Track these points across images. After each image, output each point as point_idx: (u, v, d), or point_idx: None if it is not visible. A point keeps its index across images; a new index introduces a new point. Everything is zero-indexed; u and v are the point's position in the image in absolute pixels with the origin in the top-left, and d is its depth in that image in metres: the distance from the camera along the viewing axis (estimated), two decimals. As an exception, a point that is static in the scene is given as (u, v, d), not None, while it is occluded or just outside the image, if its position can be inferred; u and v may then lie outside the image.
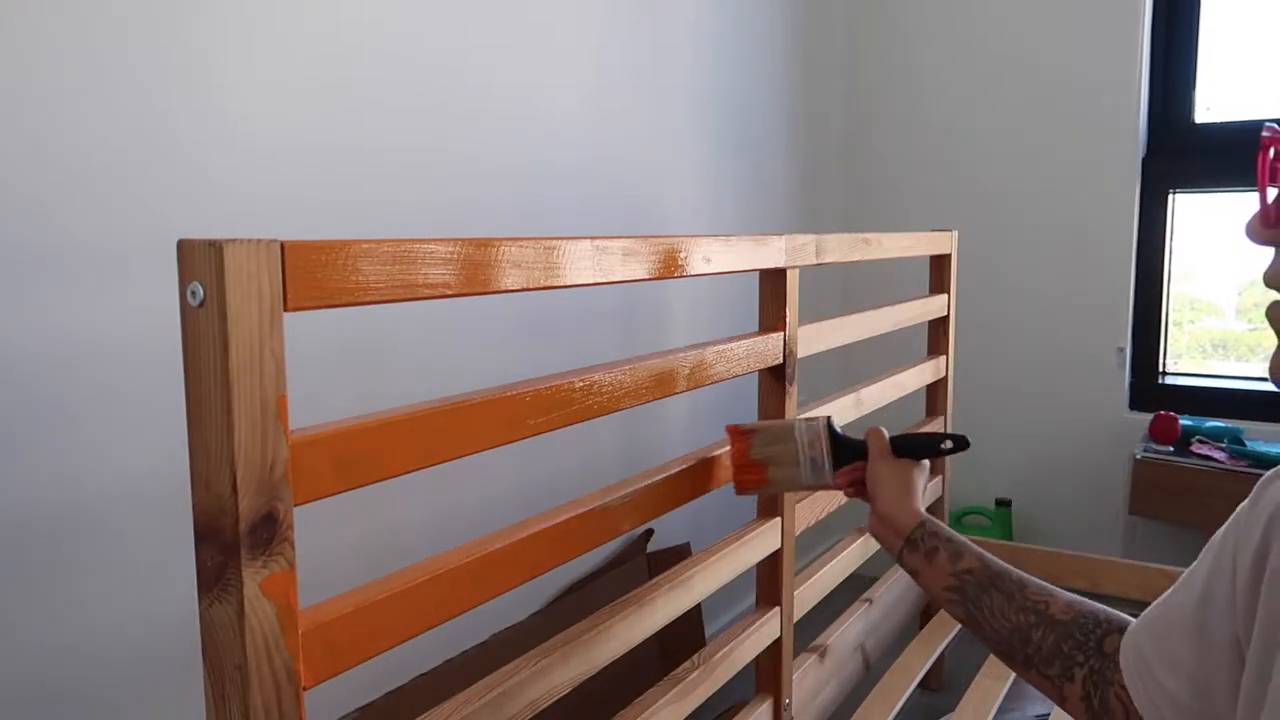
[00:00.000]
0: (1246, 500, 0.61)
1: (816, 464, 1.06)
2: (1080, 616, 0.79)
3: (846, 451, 1.07)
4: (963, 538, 0.93)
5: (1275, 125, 0.52)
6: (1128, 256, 2.37)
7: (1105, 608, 0.80)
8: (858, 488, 1.06)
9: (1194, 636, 0.62)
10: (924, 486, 1.03)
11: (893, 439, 1.04)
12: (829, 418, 1.08)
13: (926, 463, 1.05)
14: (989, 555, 0.90)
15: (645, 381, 0.97)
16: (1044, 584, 0.85)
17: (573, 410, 0.87)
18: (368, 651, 0.69)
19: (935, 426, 1.97)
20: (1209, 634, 0.61)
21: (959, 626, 1.87)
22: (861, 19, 2.66)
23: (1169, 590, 0.68)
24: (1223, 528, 0.64)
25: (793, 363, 1.25)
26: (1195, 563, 0.66)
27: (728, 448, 1.13)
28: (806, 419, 1.09)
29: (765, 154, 2.36)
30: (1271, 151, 0.51)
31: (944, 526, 0.96)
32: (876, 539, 1.01)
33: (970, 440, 1.05)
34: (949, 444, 1.04)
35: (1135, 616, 0.74)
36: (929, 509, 1.99)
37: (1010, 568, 0.88)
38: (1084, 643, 0.77)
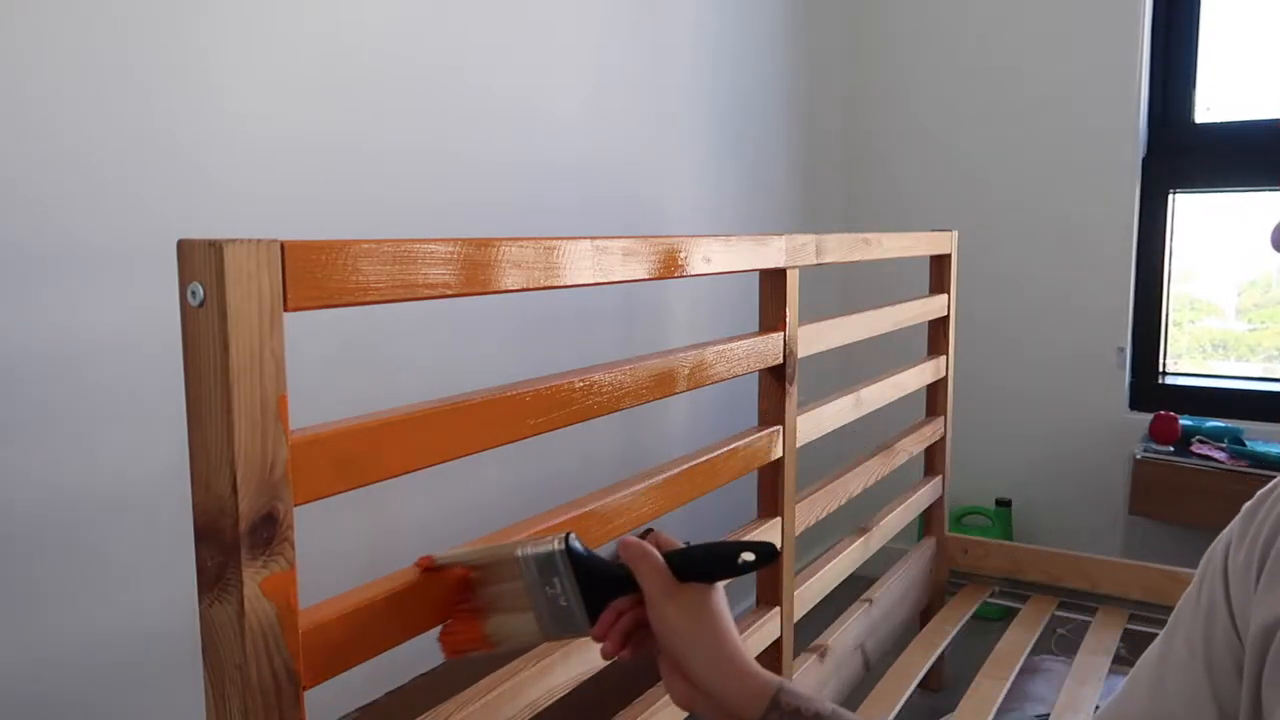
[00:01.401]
0: (1228, 534, 0.60)
1: (559, 610, 0.71)
2: None
3: (603, 582, 0.71)
4: (831, 705, 0.68)
5: None
6: (1128, 256, 2.37)
7: None
8: (636, 643, 0.72)
9: (1194, 698, 0.59)
10: (731, 620, 0.72)
11: (669, 557, 0.72)
12: (568, 534, 0.71)
13: (720, 585, 0.73)
14: None
15: (645, 381, 0.97)
16: None
17: (573, 410, 0.87)
18: (368, 651, 0.69)
19: (935, 427, 1.97)
20: (1215, 682, 0.59)
21: (959, 626, 1.87)
22: (861, 19, 2.66)
23: (1111, 700, 0.65)
24: (1179, 619, 0.62)
25: (793, 363, 1.25)
26: (1151, 661, 0.64)
27: (735, 442, 1.12)
28: (534, 543, 0.71)
29: (765, 154, 2.36)
30: None
31: (802, 695, 0.68)
32: (693, 711, 0.71)
33: (777, 549, 0.75)
34: (749, 556, 0.72)
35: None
36: (927, 511, 2.01)
37: None
38: None
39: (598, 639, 0.72)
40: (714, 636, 0.69)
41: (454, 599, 0.73)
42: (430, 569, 0.73)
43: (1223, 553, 0.60)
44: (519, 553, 0.71)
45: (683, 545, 0.74)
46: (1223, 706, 0.58)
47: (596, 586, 0.71)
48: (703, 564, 0.72)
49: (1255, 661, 0.55)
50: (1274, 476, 0.60)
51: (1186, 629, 0.61)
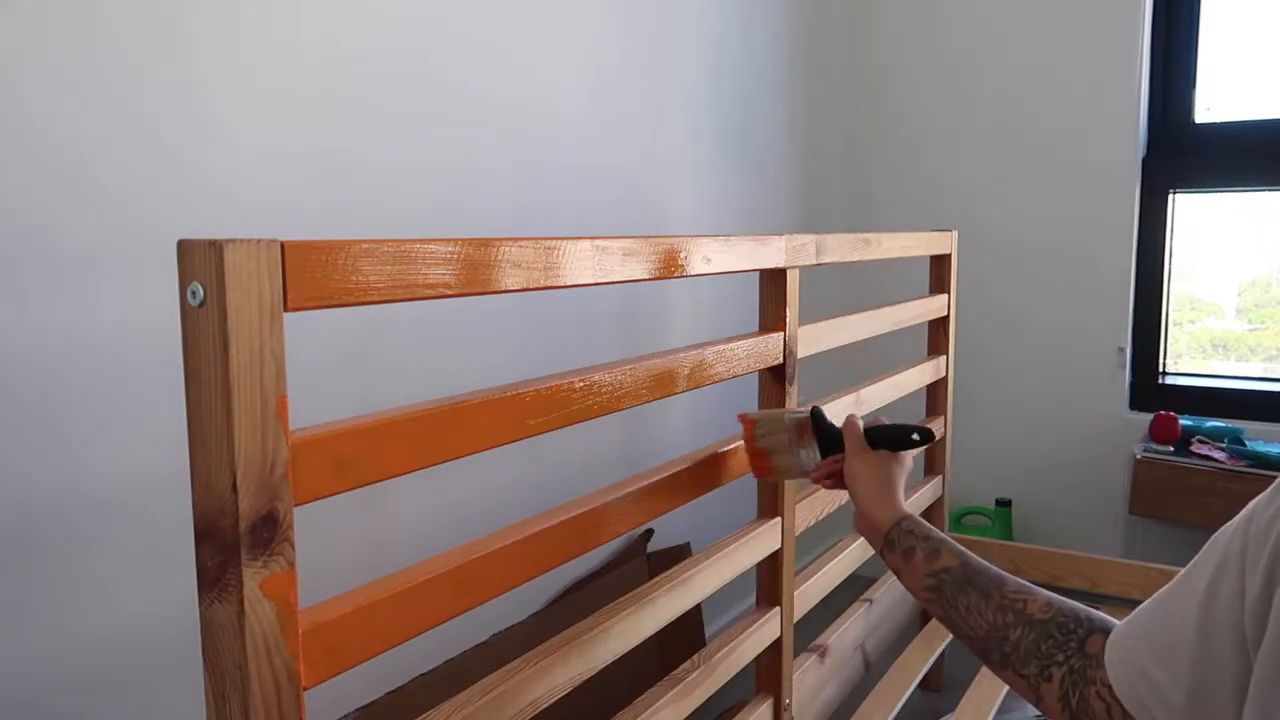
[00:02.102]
0: (1263, 497, 0.60)
1: (806, 453, 1.09)
2: (1060, 615, 0.78)
3: (832, 442, 1.08)
4: (942, 535, 0.92)
5: None
6: (1128, 257, 2.37)
7: (1086, 608, 0.78)
8: (835, 480, 1.07)
9: (1194, 638, 0.62)
10: (904, 480, 1.03)
11: (866, 430, 1.05)
12: (815, 407, 1.10)
13: (908, 456, 1.04)
14: (968, 553, 0.89)
15: (645, 381, 0.97)
16: (1023, 583, 0.84)
17: (573, 410, 0.87)
18: (368, 651, 0.69)
19: (935, 427, 1.97)
20: (1211, 636, 0.61)
21: (959, 626, 1.88)
22: (861, 19, 2.66)
23: (1162, 590, 0.68)
24: (1229, 528, 0.63)
25: (793, 363, 1.25)
26: (1193, 563, 0.65)
27: (735, 442, 1.14)
28: (797, 409, 1.13)
29: (765, 154, 2.36)
30: None
31: (923, 524, 0.94)
32: (863, 535, 1.01)
33: (935, 434, 1.09)
34: (916, 436, 1.05)
35: (1123, 617, 0.74)
36: (927, 511, 2.01)
37: (989, 566, 0.87)
38: (1064, 642, 0.76)
39: (814, 479, 1.09)
40: (877, 479, 1.01)
41: (749, 445, 1.12)
42: (743, 418, 1.13)
43: (1249, 512, 0.61)
44: (787, 417, 1.11)
45: (882, 423, 1.06)
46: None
47: (826, 443, 1.09)
48: (884, 437, 1.05)
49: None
50: (1274, 477, 0.60)
51: (1224, 548, 0.62)
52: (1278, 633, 0.55)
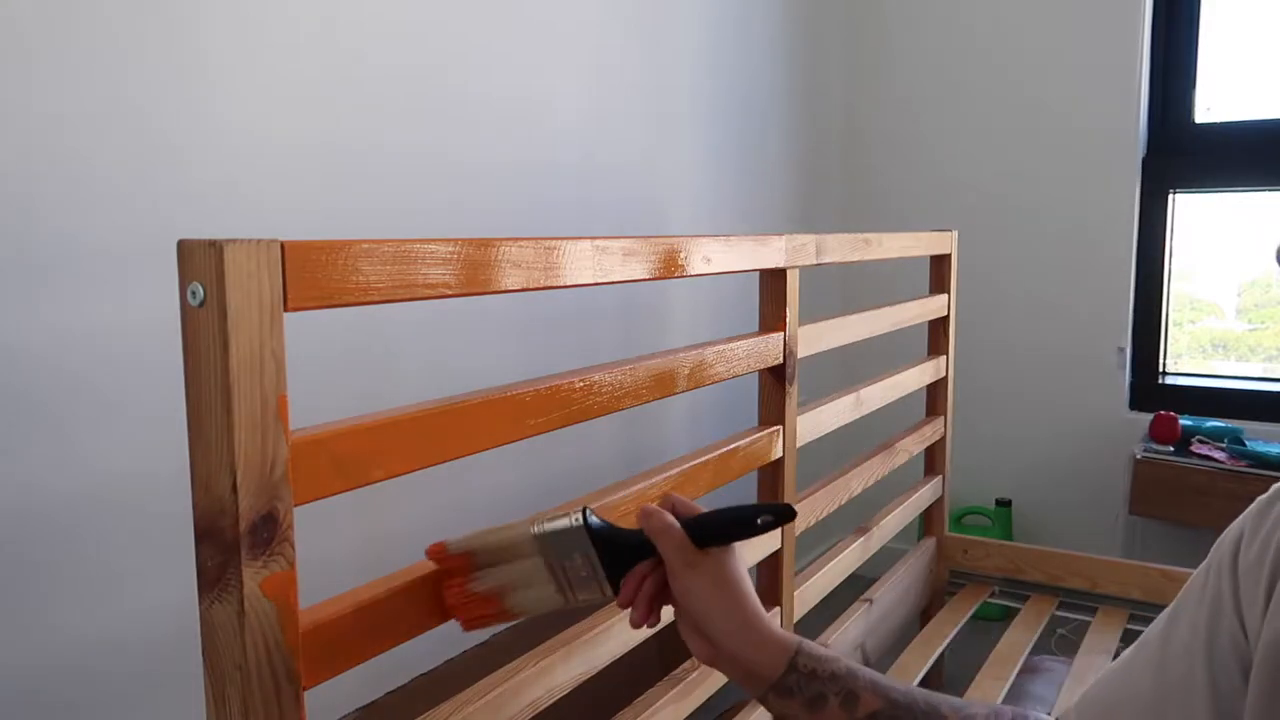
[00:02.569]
0: (1236, 532, 0.59)
1: (579, 579, 0.73)
2: None
3: (622, 550, 0.73)
4: (848, 664, 0.72)
5: None
6: (1128, 256, 2.37)
7: (1029, 713, 0.70)
8: (656, 602, 0.75)
9: (1204, 689, 0.58)
10: (749, 583, 0.75)
11: (688, 524, 0.73)
12: (584, 509, 0.73)
13: (736, 547, 0.75)
14: (885, 681, 0.72)
15: (645, 381, 0.97)
16: (956, 702, 0.72)
17: (573, 410, 0.87)
18: (368, 651, 0.69)
19: (935, 427, 1.97)
20: (1221, 680, 0.58)
21: (959, 626, 1.87)
22: (861, 19, 2.66)
23: (1117, 666, 0.65)
24: (1194, 584, 0.61)
25: (793, 363, 1.25)
26: (1148, 636, 0.63)
27: (736, 442, 1.13)
28: (548, 520, 0.73)
29: (765, 154, 2.36)
30: None
31: (819, 653, 0.71)
32: (717, 668, 0.75)
33: (794, 510, 0.79)
34: (768, 518, 0.74)
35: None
36: (927, 511, 2.01)
37: (918, 693, 0.72)
38: None
39: (623, 606, 0.74)
40: (733, 601, 0.72)
41: (463, 582, 0.73)
42: (441, 557, 0.73)
43: (1233, 546, 0.59)
44: (535, 530, 0.72)
45: (700, 510, 0.75)
46: (1220, 694, 0.57)
47: (616, 554, 0.73)
48: (721, 530, 0.74)
49: (1267, 674, 0.54)
50: (1274, 477, 0.59)
51: (1191, 614, 0.61)
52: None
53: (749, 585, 0.74)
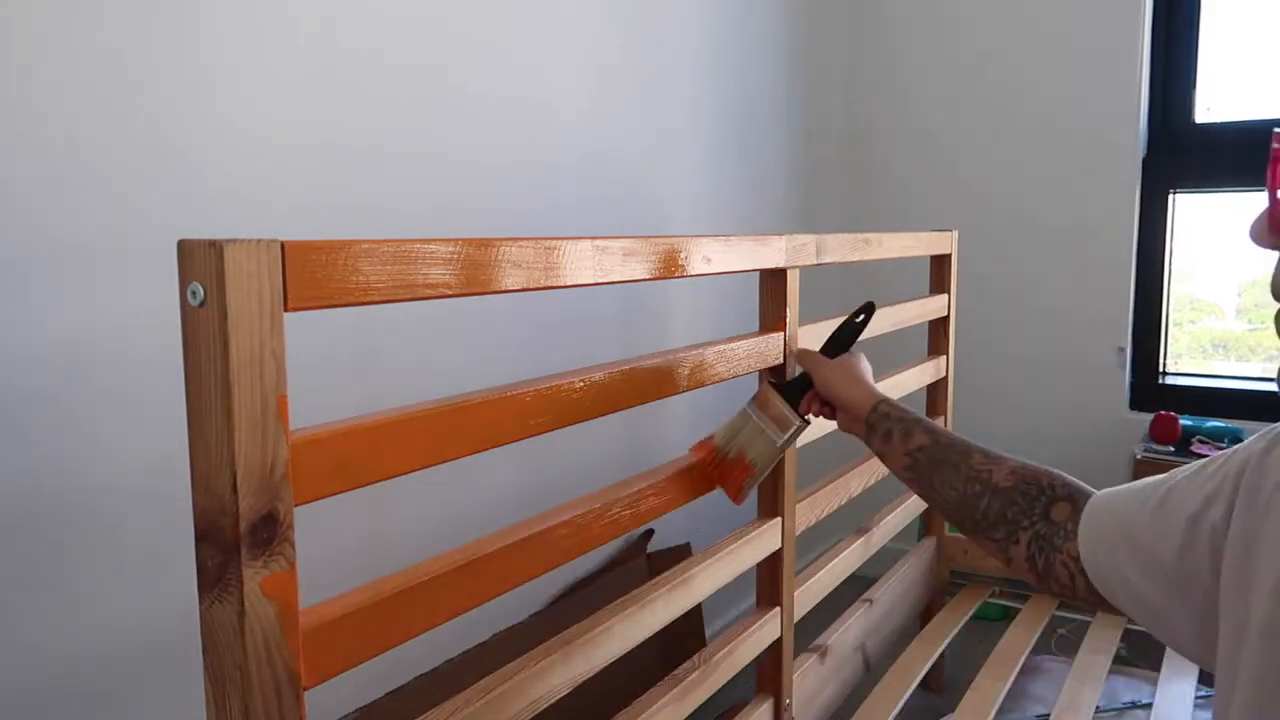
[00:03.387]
0: (1256, 445, 0.60)
1: (781, 419, 1.09)
2: (1023, 483, 0.82)
3: (797, 390, 1.11)
4: (917, 415, 0.97)
5: None
6: (1128, 256, 2.37)
7: (1052, 471, 0.83)
8: (820, 405, 1.10)
9: (1174, 557, 0.63)
10: (869, 371, 1.11)
11: (823, 348, 1.13)
12: (768, 380, 1.14)
13: (862, 355, 1.12)
14: (941, 429, 0.94)
15: (646, 381, 0.97)
16: (991, 451, 0.89)
17: (573, 410, 0.87)
18: (368, 651, 0.69)
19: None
20: (1190, 558, 0.62)
21: (959, 626, 1.88)
22: (861, 19, 2.66)
23: (1152, 483, 0.68)
24: (1223, 457, 0.63)
25: (793, 363, 1.25)
26: (1188, 474, 0.66)
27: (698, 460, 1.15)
28: (751, 401, 1.12)
29: (765, 154, 2.36)
30: None
31: (899, 406, 1.00)
32: (851, 433, 1.05)
33: (874, 304, 1.15)
34: (860, 317, 1.14)
35: (1084, 490, 0.77)
36: (927, 511, 2.00)
37: (960, 439, 0.91)
38: (1028, 509, 0.80)
39: (807, 419, 1.10)
40: (849, 375, 1.08)
41: (716, 464, 1.10)
42: (696, 447, 1.11)
43: (1240, 464, 0.61)
44: (747, 408, 1.11)
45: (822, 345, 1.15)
46: (1185, 566, 0.63)
47: (793, 395, 1.11)
48: (836, 343, 1.14)
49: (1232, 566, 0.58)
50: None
51: (1193, 484, 0.64)
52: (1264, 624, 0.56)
53: (859, 369, 1.09)
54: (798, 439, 1.13)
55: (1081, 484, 0.80)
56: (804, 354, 1.13)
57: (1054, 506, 0.79)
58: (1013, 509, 0.82)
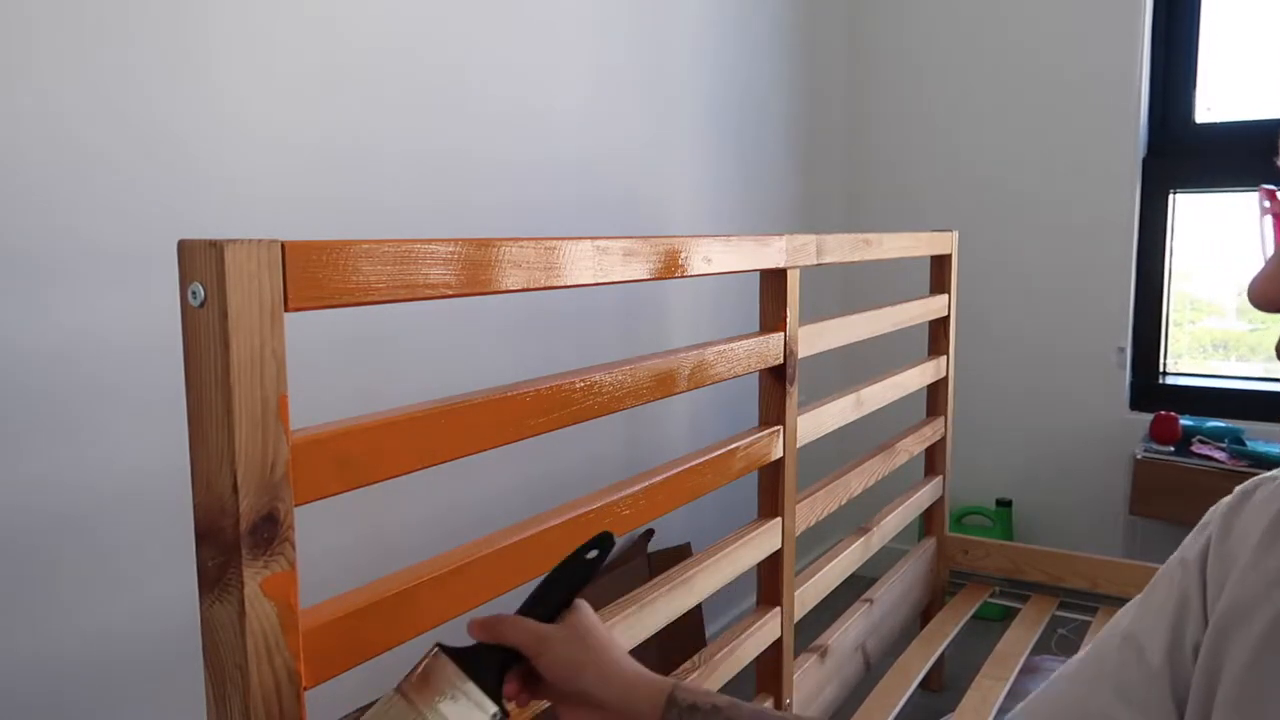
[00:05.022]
0: (1206, 536, 0.58)
1: (464, 714, 0.66)
2: None
3: (491, 666, 0.68)
4: (727, 698, 0.70)
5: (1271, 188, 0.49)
6: (1128, 256, 2.37)
7: None
8: (534, 690, 0.72)
9: (1148, 687, 0.57)
10: (612, 636, 0.73)
11: (523, 607, 0.72)
12: (436, 646, 0.67)
13: (582, 601, 0.74)
14: (767, 712, 0.70)
15: (646, 381, 0.97)
16: None
17: (573, 410, 0.87)
18: (368, 652, 0.69)
19: (935, 427, 1.97)
20: (1176, 679, 0.56)
21: (959, 626, 1.87)
22: (862, 19, 2.66)
23: (1049, 683, 0.63)
24: (1137, 606, 0.60)
25: (793, 363, 1.25)
26: (1094, 648, 0.61)
27: (735, 442, 1.13)
28: (406, 682, 0.66)
29: (766, 154, 2.36)
30: None
31: (697, 691, 0.70)
32: None
33: (613, 536, 0.75)
34: (593, 552, 0.74)
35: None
36: (927, 511, 2.00)
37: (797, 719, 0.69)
38: None
39: (511, 697, 0.70)
40: (597, 654, 0.70)
41: None
42: None
43: (1200, 554, 0.58)
44: (404, 694, 0.65)
45: (526, 600, 0.73)
46: (1179, 687, 0.56)
47: (485, 670, 0.68)
48: (558, 593, 0.72)
49: (1214, 639, 0.53)
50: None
51: (1154, 617, 0.59)
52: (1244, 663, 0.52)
53: (607, 635, 0.72)
54: None
55: None
56: (499, 625, 0.69)
57: None
58: None
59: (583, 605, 0.73)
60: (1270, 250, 0.47)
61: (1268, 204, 0.47)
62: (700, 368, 1.07)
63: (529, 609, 0.72)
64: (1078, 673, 0.61)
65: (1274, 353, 0.56)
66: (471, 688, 0.66)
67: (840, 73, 2.67)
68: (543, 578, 0.73)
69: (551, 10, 1.66)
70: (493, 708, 0.66)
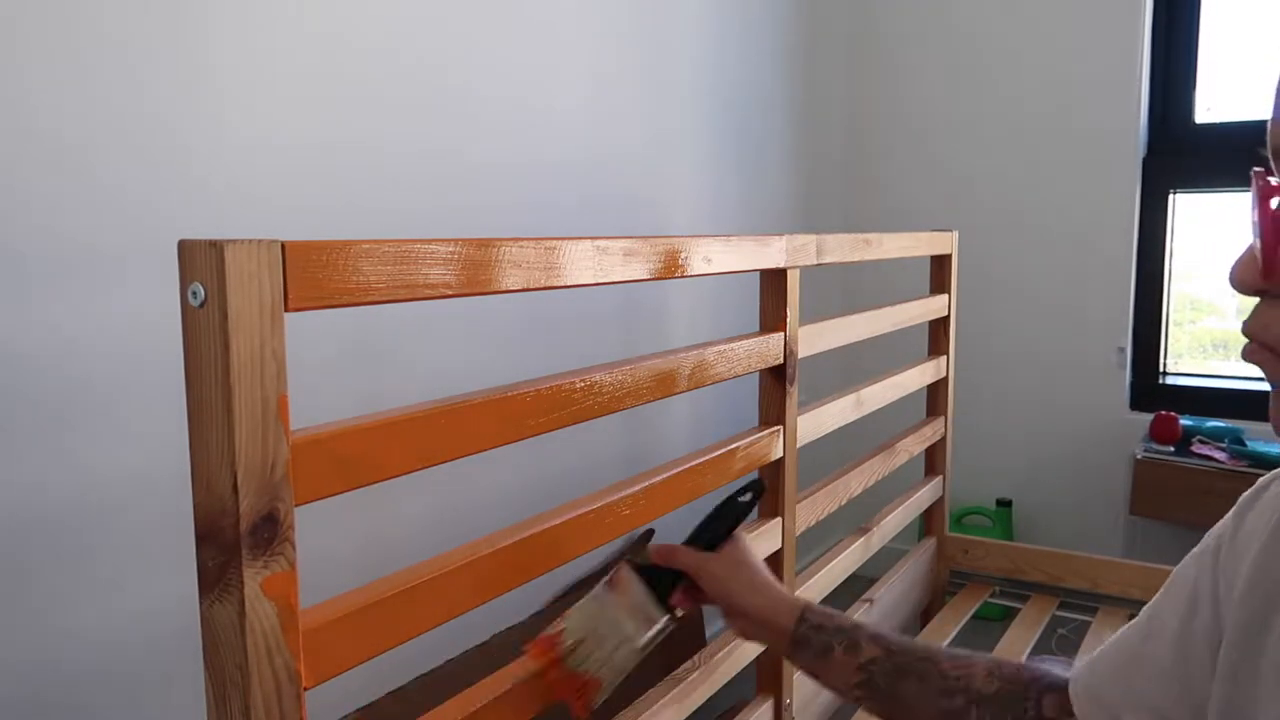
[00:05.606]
0: (1225, 525, 0.60)
1: (644, 613, 0.86)
2: (1008, 684, 0.74)
3: (665, 579, 0.88)
4: (853, 620, 0.82)
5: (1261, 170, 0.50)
6: (1128, 256, 2.37)
7: (1018, 662, 0.76)
8: (696, 597, 0.90)
9: (1168, 675, 0.60)
10: (762, 562, 0.90)
11: (691, 538, 0.90)
12: (624, 560, 0.89)
13: (741, 533, 0.91)
14: (886, 633, 0.81)
15: (646, 381, 0.97)
16: (953, 651, 0.78)
17: (573, 410, 0.87)
18: (368, 651, 0.69)
19: (935, 427, 1.97)
20: (1191, 674, 0.59)
21: (960, 626, 1.88)
22: (861, 19, 2.66)
23: (1125, 631, 0.66)
24: (1188, 562, 0.63)
25: (793, 363, 1.25)
26: (1155, 601, 0.64)
27: (735, 442, 1.13)
28: (603, 581, 0.88)
29: (765, 154, 2.36)
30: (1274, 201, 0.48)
31: (825, 612, 0.84)
32: (757, 642, 0.89)
33: (763, 483, 0.93)
34: (746, 495, 0.91)
35: (1058, 675, 0.72)
36: (928, 511, 2.01)
37: (912, 642, 0.80)
38: (1021, 712, 0.72)
39: (681, 613, 0.88)
40: (749, 575, 0.87)
41: (557, 668, 0.85)
42: (539, 647, 0.85)
43: (1215, 544, 0.61)
44: (600, 593, 0.87)
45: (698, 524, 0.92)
46: (1190, 681, 0.59)
47: (660, 581, 0.88)
48: (717, 529, 0.90)
49: (1233, 648, 0.55)
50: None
51: (1172, 604, 0.63)
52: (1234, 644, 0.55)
53: (757, 560, 0.89)
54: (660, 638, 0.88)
55: (1050, 667, 0.75)
56: (673, 552, 0.88)
57: (1044, 702, 0.71)
58: (1007, 716, 0.72)
59: (740, 536, 0.90)
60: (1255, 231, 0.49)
61: (1261, 184, 0.48)
62: (700, 368, 1.07)
63: (693, 540, 0.90)
64: (1117, 645, 0.66)
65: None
66: (649, 598, 0.86)
67: (840, 73, 2.67)
68: (704, 516, 0.92)
69: (551, 10, 1.66)
70: (664, 614, 0.86)
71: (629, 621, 0.84)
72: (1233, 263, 0.49)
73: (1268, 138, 0.48)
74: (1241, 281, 0.49)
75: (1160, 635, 0.62)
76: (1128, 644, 0.66)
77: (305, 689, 0.63)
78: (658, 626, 0.86)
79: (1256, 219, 0.47)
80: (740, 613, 0.86)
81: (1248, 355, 0.50)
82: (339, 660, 0.67)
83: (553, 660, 0.84)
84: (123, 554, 1.10)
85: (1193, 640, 0.60)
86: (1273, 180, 0.46)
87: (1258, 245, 0.46)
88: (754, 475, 0.91)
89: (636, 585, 0.86)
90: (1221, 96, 2.34)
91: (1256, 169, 0.48)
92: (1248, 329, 0.49)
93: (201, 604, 0.59)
